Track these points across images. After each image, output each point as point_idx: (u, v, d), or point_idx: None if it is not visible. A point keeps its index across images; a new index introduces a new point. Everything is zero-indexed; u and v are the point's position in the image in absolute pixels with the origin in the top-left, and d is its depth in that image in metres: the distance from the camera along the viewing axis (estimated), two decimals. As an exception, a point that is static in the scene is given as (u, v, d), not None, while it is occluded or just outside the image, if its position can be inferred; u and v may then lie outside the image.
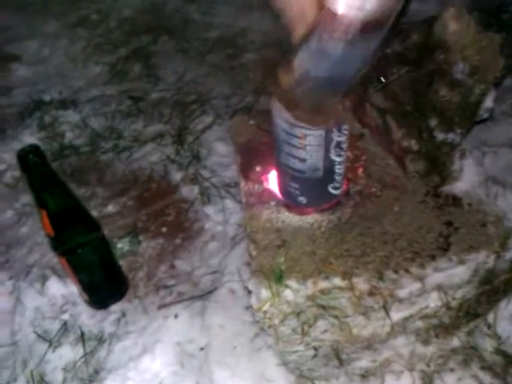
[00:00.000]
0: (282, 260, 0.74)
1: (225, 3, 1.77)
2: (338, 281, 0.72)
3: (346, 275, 0.72)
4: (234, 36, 1.61)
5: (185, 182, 1.19)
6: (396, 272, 0.73)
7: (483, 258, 0.74)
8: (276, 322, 0.75)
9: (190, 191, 1.17)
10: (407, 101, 0.78)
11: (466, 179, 0.82)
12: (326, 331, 0.77)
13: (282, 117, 0.70)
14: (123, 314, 0.98)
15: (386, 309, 0.75)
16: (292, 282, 0.72)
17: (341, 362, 0.82)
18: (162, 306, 0.98)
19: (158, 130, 1.31)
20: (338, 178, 0.76)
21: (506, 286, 0.82)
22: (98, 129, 1.33)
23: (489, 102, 0.79)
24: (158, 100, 1.38)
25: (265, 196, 0.83)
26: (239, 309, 0.95)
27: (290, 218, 0.80)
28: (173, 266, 1.06)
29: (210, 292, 0.99)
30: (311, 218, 0.79)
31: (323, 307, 0.74)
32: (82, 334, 0.94)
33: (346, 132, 0.71)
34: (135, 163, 1.25)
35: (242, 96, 1.34)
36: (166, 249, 1.09)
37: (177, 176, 1.20)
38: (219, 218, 1.12)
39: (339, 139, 0.71)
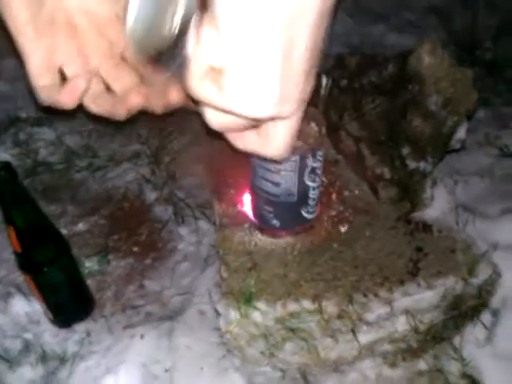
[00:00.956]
0: (253, 282, 0.74)
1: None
2: (307, 304, 0.72)
3: (316, 298, 0.72)
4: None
5: (159, 201, 1.18)
6: (365, 296, 0.73)
7: (451, 284, 0.75)
8: (243, 343, 0.74)
9: (164, 211, 1.16)
10: (381, 130, 0.80)
11: (437, 206, 0.83)
12: (293, 354, 0.77)
13: None
14: (88, 334, 0.95)
15: (354, 332, 0.75)
16: (261, 305, 0.72)
17: (308, 384, 0.82)
18: (127, 327, 0.95)
19: (134, 149, 1.30)
20: (311, 202, 0.76)
21: (472, 312, 0.83)
22: (73, 147, 1.32)
23: (461, 134, 0.81)
24: (136, 120, 1.37)
25: (238, 218, 0.83)
26: (207, 330, 0.93)
27: (262, 240, 0.80)
28: (142, 286, 1.04)
29: (179, 313, 0.97)
30: (284, 242, 0.79)
31: (292, 330, 0.73)
32: (44, 353, 0.91)
33: (320, 158, 0.72)
34: (109, 182, 1.24)
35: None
36: (135, 268, 1.07)
37: (151, 196, 1.19)
38: (192, 238, 1.11)
39: (314, 165, 0.71)
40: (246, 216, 0.82)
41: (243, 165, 0.88)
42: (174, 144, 1.30)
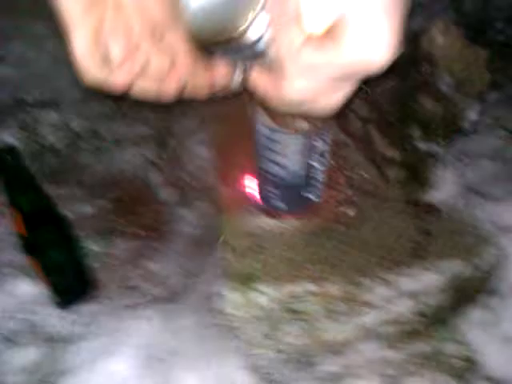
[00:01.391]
0: (257, 265, 0.73)
1: None
2: (311, 286, 0.71)
3: (321, 281, 0.71)
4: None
5: (165, 185, 1.17)
6: (371, 279, 0.72)
7: (459, 267, 0.75)
8: (247, 326, 0.74)
9: (169, 195, 1.16)
10: (391, 111, 0.78)
11: (445, 189, 0.82)
12: (296, 336, 0.76)
13: (262, 122, 0.69)
14: (92, 316, 0.95)
15: (357, 314, 0.74)
16: (266, 288, 0.71)
17: (309, 365, 0.81)
18: (132, 309, 0.95)
19: (140, 132, 1.29)
20: (318, 185, 0.75)
21: (477, 295, 0.82)
22: (79, 131, 1.31)
23: (473, 116, 0.79)
24: (141, 103, 1.36)
25: (244, 201, 0.82)
26: (211, 313, 0.93)
27: (268, 223, 0.79)
28: (147, 269, 1.04)
29: (184, 296, 0.97)
30: (290, 224, 0.78)
31: (295, 312, 0.72)
32: (50, 334, 0.91)
33: (327, 140, 0.70)
34: (116, 165, 1.23)
35: (226, 102, 1.34)
36: (141, 251, 1.07)
37: (157, 178, 1.19)
38: (198, 222, 1.10)
39: (321, 146, 0.70)
40: (251, 199, 0.81)
41: (249, 148, 0.87)
42: (179, 127, 1.29)
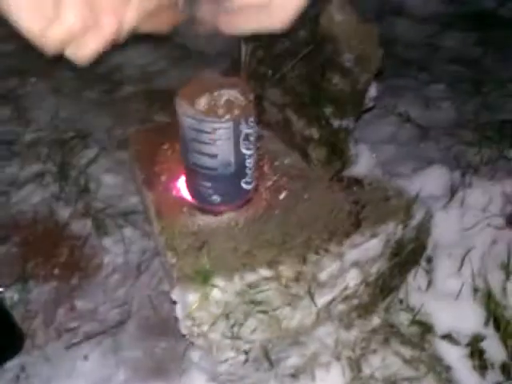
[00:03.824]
0: (204, 261, 0.71)
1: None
2: (263, 271, 0.71)
3: (272, 264, 0.71)
4: (110, 71, 1.57)
5: (75, 217, 1.10)
6: (317, 253, 0.73)
7: (392, 229, 0.79)
8: (205, 328, 0.71)
9: (82, 226, 1.09)
10: (304, 92, 0.81)
11: (363, 162, 0.87)
12: (255, 330, 0.75)
13: (188, 114, 0.68)
14: (22, 369, 0.86)
15: (310, 294, 0.75)
16: (219, 280, 0.69)
17: (271, 364, 0.80)
18: (66, 351, 0.87)
19: (36, 170, 1.21)
20: (249, 172, 0.76)
21: (413, 256, 0.87)
22: (-34, 178, 1.20)
23: (372, 92, 0.85)
24: (32, 141, 1.28)
25: (176, 203, 0.80)
26: (155, 335, 0.89)
27: (205, 220, 0.77)
28: (73, 308, 0.96)
29: (120, 326, 0.91)
30: (226, 217, 0.78)
31: (252, 302, 0.71)
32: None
33: (252, 124, 0.72)
34: (14, 207, 1.13)
35: (124, 127, 1.30)
36: (61, 291, 0.99)
37: (65, 213, 1.11)
38: (119, 249, 1.05)
39: (247, 131, 0.71)
40: (183, 199, 0.80)
41: (169, 150, 0.86)
42: (79, 158, 1.22)
